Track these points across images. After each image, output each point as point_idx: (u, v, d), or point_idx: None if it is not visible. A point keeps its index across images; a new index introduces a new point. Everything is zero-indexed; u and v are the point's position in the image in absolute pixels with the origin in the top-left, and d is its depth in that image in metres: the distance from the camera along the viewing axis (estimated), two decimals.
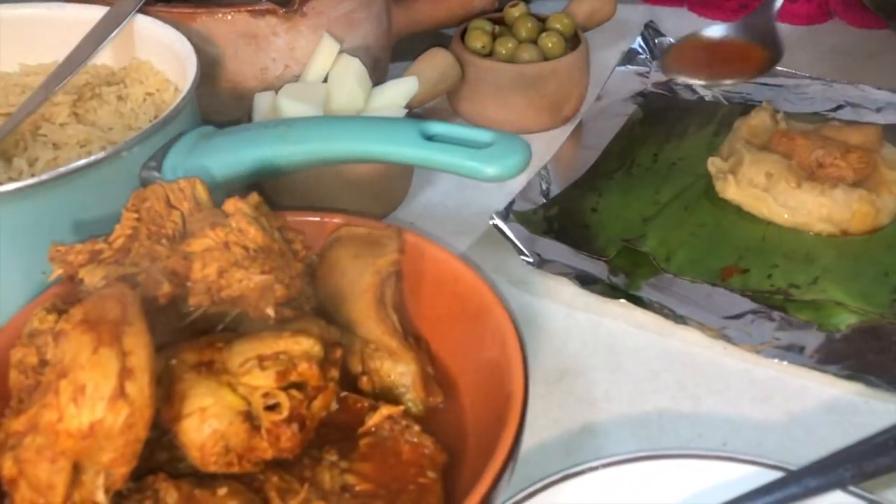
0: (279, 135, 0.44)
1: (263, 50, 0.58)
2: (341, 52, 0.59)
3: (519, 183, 0.58)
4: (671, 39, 0.76)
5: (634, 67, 0.73)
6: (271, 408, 0.33)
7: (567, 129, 0.65)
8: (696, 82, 0.64)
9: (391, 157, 0.43)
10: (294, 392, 0.33)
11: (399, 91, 0.56)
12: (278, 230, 0.39)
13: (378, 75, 0.66)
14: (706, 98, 0.69)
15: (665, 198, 0.58)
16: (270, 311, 0.35)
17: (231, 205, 0.37)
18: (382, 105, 0.56)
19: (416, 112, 0.61)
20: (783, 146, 0.58)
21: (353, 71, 0.56)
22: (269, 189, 0.55)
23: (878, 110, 0.67)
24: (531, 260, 0.51)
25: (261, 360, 0.33)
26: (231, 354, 0.34)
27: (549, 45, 0.64)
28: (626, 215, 0.56)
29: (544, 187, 0.58)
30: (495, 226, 0.52)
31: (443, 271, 0.43)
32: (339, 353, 0.35)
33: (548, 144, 0.64)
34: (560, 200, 0.58)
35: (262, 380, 0.33)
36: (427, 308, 0.44)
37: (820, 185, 0.54)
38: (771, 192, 0.55)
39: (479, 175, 0.40)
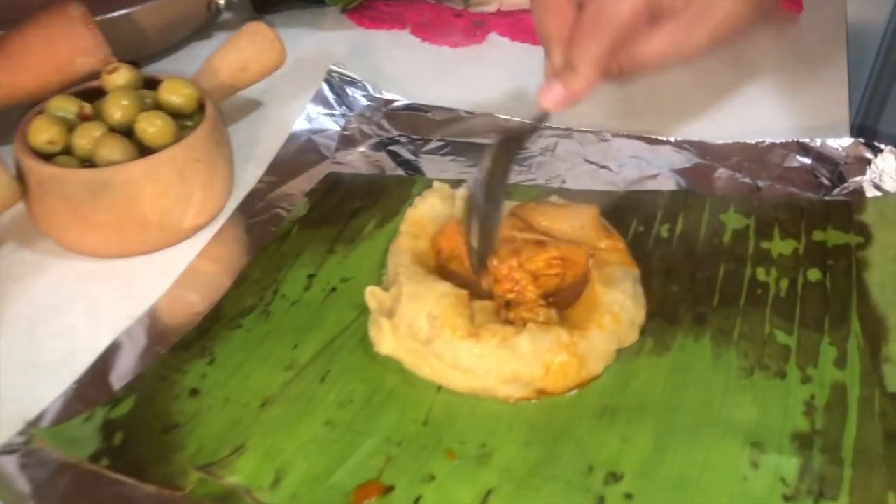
0: None
1: None
2: None
3: (93, 353, 0.40)
4: (368, 87, 0.58)
5: (317, 135, 0.55)
6: None
7: (195, 247, 0.47)
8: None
9: None
10: None
11: None
12: None
13: None
14: (412, 172, 0.52)
15: (305, 355, 0.40)
16: None
17: None
18: None
19: None
20: (453, 251, 0.42)
21: None
22: None
23: (616, 161, 0.52)
24: None
25: None
26: None
27: (150, 131, 0.45)
28: (239, 398, 0.38)
29: (124, 361, 0.40)
30: None
31: None
32: None
33: (163, 275, 0.45)
34: (142, 385, 0.39)
35: None
36: None
37: (501, 332, 0.38)
38: (434, 346, 0.38)
39: None
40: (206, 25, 0.66)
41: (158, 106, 0.47)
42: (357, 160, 0.54)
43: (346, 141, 0.55)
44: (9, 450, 0.35)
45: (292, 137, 0.55)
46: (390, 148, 0.55)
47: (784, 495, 0.33)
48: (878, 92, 0.76)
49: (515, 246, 0.40)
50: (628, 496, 0.33)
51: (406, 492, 0.34)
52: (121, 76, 0.48)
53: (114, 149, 0.44)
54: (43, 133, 0.44)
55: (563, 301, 0.41)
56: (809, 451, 0.34)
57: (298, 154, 0.54)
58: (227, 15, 0.68)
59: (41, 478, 0.34)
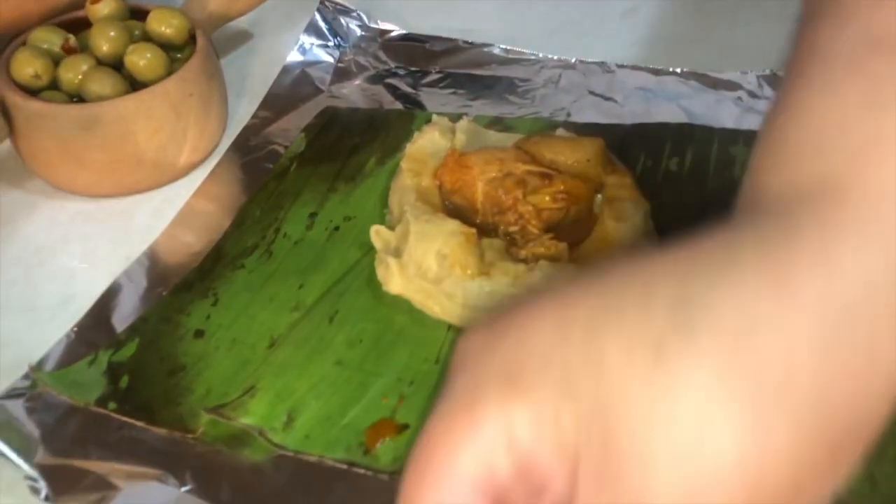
0: None
1: None
2: None
3: (91, 296, 0.39)
4: (363, 16, 0.56)
5: (311, 67, 0.53)
6: None
7: (191, 185, 0.45)
8: None
9: None
10: None
11: None
12: None
13: None
14: (410, 106, 0.51)
15: (311, 296, 0.39)
16: None
17: None
18: None
19: None
20: (455, 184, 0.41)
21: None
22: None
23: (623, 93, 0.51)
24: (39, 486, 0.31)
25: None
26: None
27: (141, 64, 0.43)
28: (245, 339, 0.37)
29: (125, 304, 0.39)
30: None
31: None
32: None
33: (158, 214, 0.43)
34: (145, 327, 0.38)
35: None
36: None
37: (512, 270, 0.37)
38: (444, 285, 0.37)
39: None
40: None
41: (147, 37, 0.45)
42: (353, 93, 0.52)
43: (342, 73, 0.53)
44: (14, 394, 0.34)
45: (285, 70, 0.53)
46: (388, 81, 0.53)
47: None
48: None
49: (520, 178, 0.39)
50: None
51: (420, 430, 0.33)
52: (105, 5, 0.45)
53: (103, 83, 0.42)
54: (27, 66, 0.42)
55: (565, 236, 0.40)
56: None
57: (292, 88, 0.52)
58: None
59: (49, 422, 0.33)
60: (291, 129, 0.49)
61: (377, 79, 0.53)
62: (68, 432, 0.33)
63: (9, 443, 0.31)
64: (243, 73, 0.53)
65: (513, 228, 0.39)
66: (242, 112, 0.50)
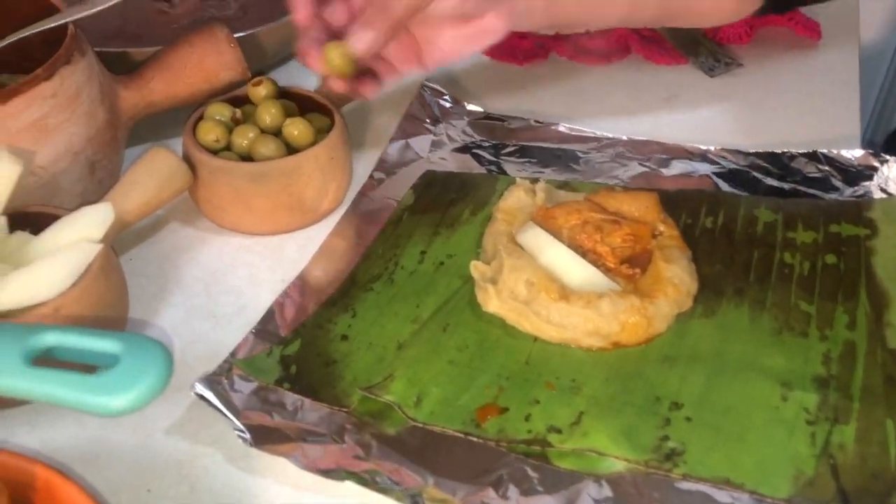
0: None
1: None
2: (35, 166, 0.49)
3: (258, 307, 0.51)
4: (453, 99, 0.69)
5: (413, 139, 0.66)
6: None
7: (327, 226, 0.58)
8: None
9: None
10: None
11: (88, 223, 0.46)
12: None
13: (101, 177, 0.56)
14: (494, 171, 0.63)
15: (426, 312, 0.51)
16: None
17: None
18: (70, 240, 0.46)
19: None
20: (547, 227, 0.52)
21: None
22: None
23: (666, 165, 0.63)
24: (246, 436, 0.43)
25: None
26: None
27: (295, 133, 0.56)
28: (379, 342, 0.49)
29: (286, 313, 0.51)
30: (199, 395, 0.44)
31: None
32: None
33: (302, 248, 0.56)
34: (305, 331, 0.50)
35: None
36: None
37: (586, 296, 0.48)
38: (532, 306, 0.48)
39: (106, 412, 0.31)
40: None
41: (297, 112, 0.58)
42: (447, 160, 0.65)
43: (437, 144, 0.66)
44: (219, 373, 0.46)
45: (393, 140, 0.66)
46: (474, 151, 0.65)
47: (807, 420, 0.43)
48: (886, 110, 0.85)
49: (597, 224, 0.51)
50: (688, 419, 0.44)
51: (518, 411, 0.44)
52: (264, 88, 0.59)
53: (269, 147, 0.55)
54: (210, 133, 0.55)
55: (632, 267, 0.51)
56: (826, 389, 0.45)
57: (399, 154, 0.65)
58: None
59: (245, 393, 0.45)
60: (400, 186, 0.62)
61: (465, 149, 0.66)
62: (258, 402, 0.45)
63: (224, 404, 0.43)
64: (360, 141, 0.66)
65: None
66: (361, 172, 0.63)
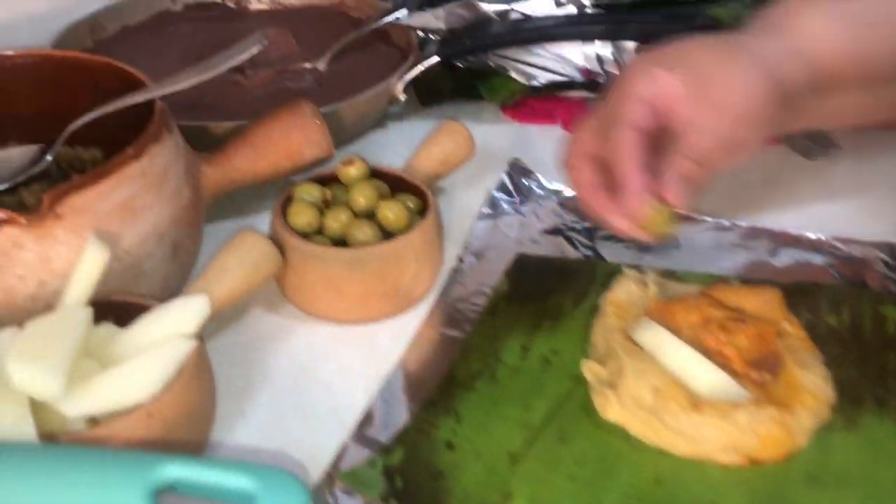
0: None
1: (5, 268, 0.44)
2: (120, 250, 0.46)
3: (353, 406, 0.47)
4: (541, 178, 0.66)
5: (500, 219, 0.62)
6: None
7: (419, 314, 0.54)
8: None
9: None
10: None
11: (182, 316, 0.43)
12: None
13: (183, 260, 0.53)
14: (590, 255, 0.59)
15: (537, 417, 0.46)
16: None
17: None
18: (162, 335, 0.42)
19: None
20: (665, 324, 0.48)
21: None
22: None
23: (775, 254, 0.59)
24: None
25: None
26: None
27: (391, 216, 0.53)
28: (488, 451, 0.44)
29: (384, 415, 0.46)
30: None
31: None
32: None
33: (395, 338, 0.52)
34: (406, 437, 0.45)
35: None
36: None
37: (720, 406, 0.44)
38: (659, 415, 0.44)
39: None
40: (382, 117, 0.74)
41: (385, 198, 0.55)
42: (539, 243, 0.61)
43: (526, 226, 0.63)
44: (322, 486, 0.42)
45: (479, 221, 0.62)
46: (566, 233, 0.62)
47: None
48: None
49: (721, 323, 0.47)
50: None
51: None
52: (355, 169, 0.56)
53: (365, 232, 0.51)
54: (302, 216, 0.52)
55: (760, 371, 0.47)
56: None
57: (487, 235, 0.61)
58: (395, 108, 0.76)
59: None
60: (491, 271, 0.58)
61: (557, 231, 0.62)
62: None
63: None
64: (445, 220, 0.63)
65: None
66: (448, 255, 0.59)
